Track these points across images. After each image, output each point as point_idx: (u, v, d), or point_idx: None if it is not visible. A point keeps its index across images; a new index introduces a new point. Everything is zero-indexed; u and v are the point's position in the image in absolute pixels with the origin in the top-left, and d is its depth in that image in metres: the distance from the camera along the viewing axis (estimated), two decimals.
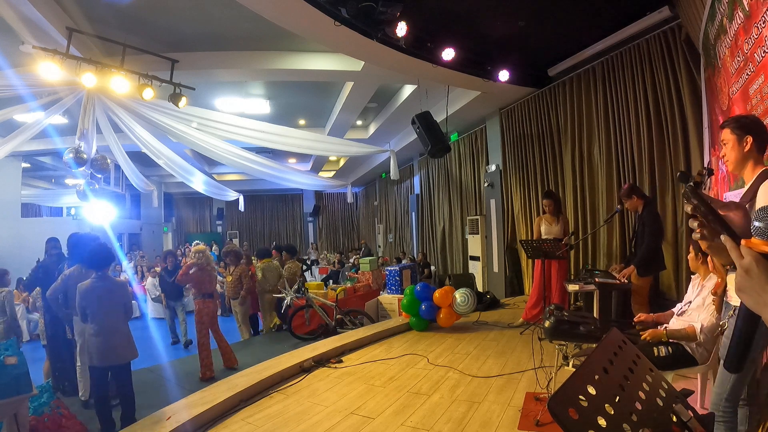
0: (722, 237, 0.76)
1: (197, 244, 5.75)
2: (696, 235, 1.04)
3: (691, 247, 2.77)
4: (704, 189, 1.15)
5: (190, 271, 4.82)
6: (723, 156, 1.83)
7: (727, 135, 1.79)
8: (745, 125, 1.72)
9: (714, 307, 2.45)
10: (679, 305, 2.80)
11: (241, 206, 12.20)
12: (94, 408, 3.31)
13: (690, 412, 0.91)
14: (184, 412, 3.03)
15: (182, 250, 15.72)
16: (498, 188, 7.77)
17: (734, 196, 2.65)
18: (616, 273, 3.96)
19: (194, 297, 4.94)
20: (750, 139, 1.69)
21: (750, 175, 1.70)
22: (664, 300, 4.37)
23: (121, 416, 3.28)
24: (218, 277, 10.88)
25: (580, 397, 0.77)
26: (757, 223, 0.72)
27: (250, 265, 7.08)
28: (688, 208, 0.93)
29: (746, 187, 1.72)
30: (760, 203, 1.56)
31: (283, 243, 16.64)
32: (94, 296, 3.26)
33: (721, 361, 1.93)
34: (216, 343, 4.87)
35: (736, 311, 0.85)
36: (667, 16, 4.46)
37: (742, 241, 0.73)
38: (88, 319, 3.26)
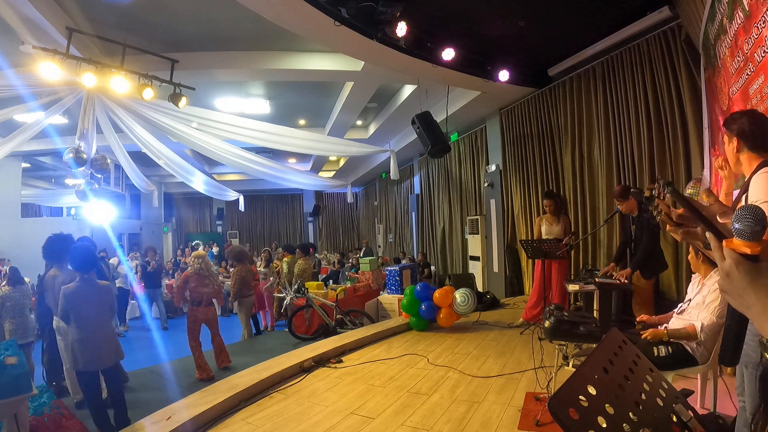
0: (707, 234, 0.77)
1: (198, 245, 5.81)
2: (670, 228, 1.04)
3: (690, 248, 2.76)
4: (662, 199, 1.16)
5: (188, 286, 4.78)
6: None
7: (724, 133, 1.82)
8: (732, 129, 1.74)
9: (715, 305, 2.45)
10: (680, 304, 2.80)
11: (242, 206, 12.21)
12: (90, 413, 3.25)
13: (690, 412, 0.91)
14: (184, 412, 3.03)
15: (182, 250, 15.75)
16: (498, 188, 7.77)
17: (733, 196, 2.65)
18: (615, 274, 3.96)
19: (189, 303, 4.91)
20: (736, 140, 1.72)
21: (748, 169, 1.70)
22: (664, 300, 4.37)
23: (114, 418, 3.25)
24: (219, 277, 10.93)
25: (580, 397, 0.77)
26: (736, 225, 0.72)
27: (251, 264, 7.18)
28: (667, 203, 0.94)
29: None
30: (751, 197, 1.55)
31: (283, 243, 16.68)
32: (80, 299, 3.16)
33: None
34: (211, 343, 4.91)
35: None
36: (667, 16, 4.46)
37: (723, 242, 0.73)
38: (70, 322, 3.16)
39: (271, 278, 7.69)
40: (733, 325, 0.82)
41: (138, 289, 8.54)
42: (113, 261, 8.45)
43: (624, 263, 4.09)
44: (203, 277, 4.83)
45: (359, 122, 10.29)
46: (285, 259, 7.68)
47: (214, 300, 5.10)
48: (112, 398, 3.32)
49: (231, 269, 7.29)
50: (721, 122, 3.19)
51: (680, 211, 1.04)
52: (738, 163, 1.74)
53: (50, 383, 4.04)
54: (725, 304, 2.42)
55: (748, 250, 0.70)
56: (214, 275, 5.01)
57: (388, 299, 6.87)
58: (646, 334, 2.57)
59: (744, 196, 1.59)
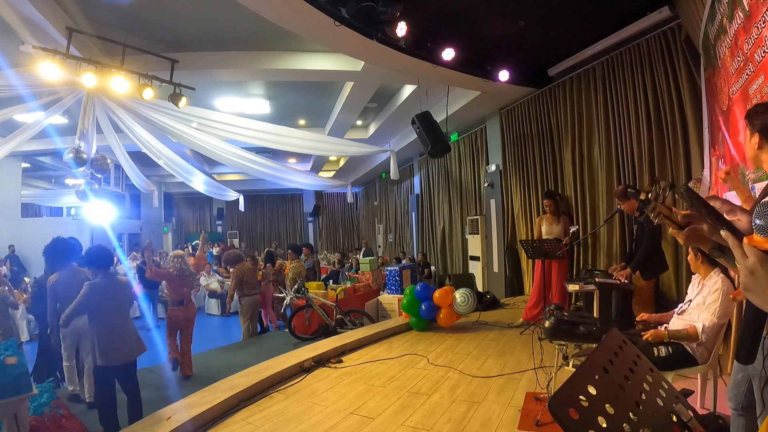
0: (722, 233, 0.75)
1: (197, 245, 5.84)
2: (673, 231, 1.02)
3: (690, 249, 2.76)
4: (662, 202, 1.06)
5: (174, 286, 4.85)
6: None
7: (746, 127, 1.67)
8: (755, 125, 1.59)
9: (715, 306, 2.45)
10: (680, 305, 2.80)
11: (242, 206, 12.22)
12: (97, 410, 3.28)
13: (690, 412, 0.91)
14: (184, 412, 3.03)
15: (181, 250, 15.75)
16: (498, 188, 7.77)
17: (734, 196, 2.65)
18: (615, 273, 3.96)
19: (169, 304, 4.96)
20: (758, 136, 1.57)
21: None
22: (664, 300, 4.37)
23: (128, 411, 3.29)
24: (218, 277, 10.91)
25: (581, 397, 0.77)
26: (758, 221, 0.70)
27: (256, 264, 7.21)
28: (662, 210, 0.91)
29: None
30: None
31: (283, 243, 16.70)
32: (106, 295, 3.23)
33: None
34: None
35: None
36: (667, 16, 4.46)
37: (744, 239, 0.72)
38: (95, 318, 3.19)
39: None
40: (750, 322, 0.81)
41: (138, 289, 8.55)
42: None
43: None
44: (184, 276, 4.87)
45: (359, 122, 10.29)
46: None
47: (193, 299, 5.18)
48: (129, 393, 3.35)
49: (231, 269, 7.31)
50: (722, 122, 3.19)
51: (685, 212, 1.01)
52: (758, 160, 1.62)
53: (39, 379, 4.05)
54: (725, 304, 2.42)
55: None
56: (193, 274, 5.05)
57: (388, 299, 6.86)
58: (647, 335, 2.57)
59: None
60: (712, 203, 1.33)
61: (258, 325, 6.80)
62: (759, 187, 2.69)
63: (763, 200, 0.88)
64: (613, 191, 5.33)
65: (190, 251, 14.51)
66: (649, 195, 1.04)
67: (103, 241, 11.23)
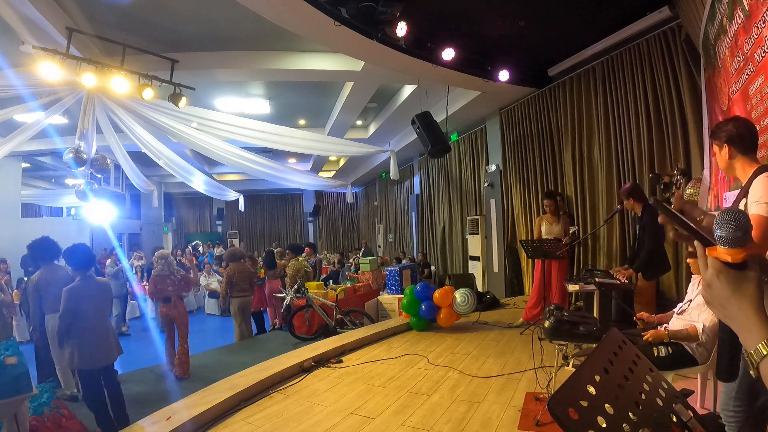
0: (695, 243, 0.74)
1: (198, 245, 5.84)
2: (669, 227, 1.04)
3: (689, 250, 2.77)
4: (678, 188, 1.18)
5: (157, 285, 4.93)
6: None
7: (713, 144, 1.87)
8: (721, 137, 1.78)
9: None
10: (680, 304, 2.80)
11: (242, 206, 12.22)
12: (92, 412, 3.27)
13: (690, 412, 0.91)
14: (184, 412, 3.03)
15: (181, 250, 15.74)
16: (498, 188, 7.77)
17: (734, 196, 2.65)
18: (619, 275, 3.95)
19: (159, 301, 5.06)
20: (726, 147, 1.76)
21: (743, 174, 1.74)
22: (664, 300, 4.37)
23: (114, 417, 3.27)
24: (218, 277, 10.91)
25: (580, 397, 0.77)
26: (718, 232, 0.68)
27: (255, 264, 7.19)
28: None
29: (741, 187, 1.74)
30: (752, 197, 1.56)
31: (283, 243, 16.70)
32: (81, 297, 3.20)
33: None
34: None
35: None
36: (667, 16, 4.46)
37: (706, 251, 0.70)
38: (74, 320, 3.17)
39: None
40: (726, 339, 0.80)
41: (138, 289, 8.54)
42: (110, 261, 8.43)
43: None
44: (165, 276, 4.93)
45: (359, 122, 10.29)
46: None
47: (185, 299, 5.22)
48: (111, 397, 3.33)
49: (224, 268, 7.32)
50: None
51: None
52: (731, 169, 1.78)
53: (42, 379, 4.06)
54: None
55: (729, 258, 0.66)
56: (175, 273, 5.07)
57: (388, 299, 6.86)
58: (648, 335, 2.57)
59: (743, 201, 1.60)
60: (707, 220, 1.36)
61: (255, 325, 6.78)
62: (730, 196, 2.72)
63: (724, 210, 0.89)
64: (613, 191, 5.35)
65: (191, 251, 14.55)
66: (672, 179, 1.08)
67: (103, 241, 11.23)
